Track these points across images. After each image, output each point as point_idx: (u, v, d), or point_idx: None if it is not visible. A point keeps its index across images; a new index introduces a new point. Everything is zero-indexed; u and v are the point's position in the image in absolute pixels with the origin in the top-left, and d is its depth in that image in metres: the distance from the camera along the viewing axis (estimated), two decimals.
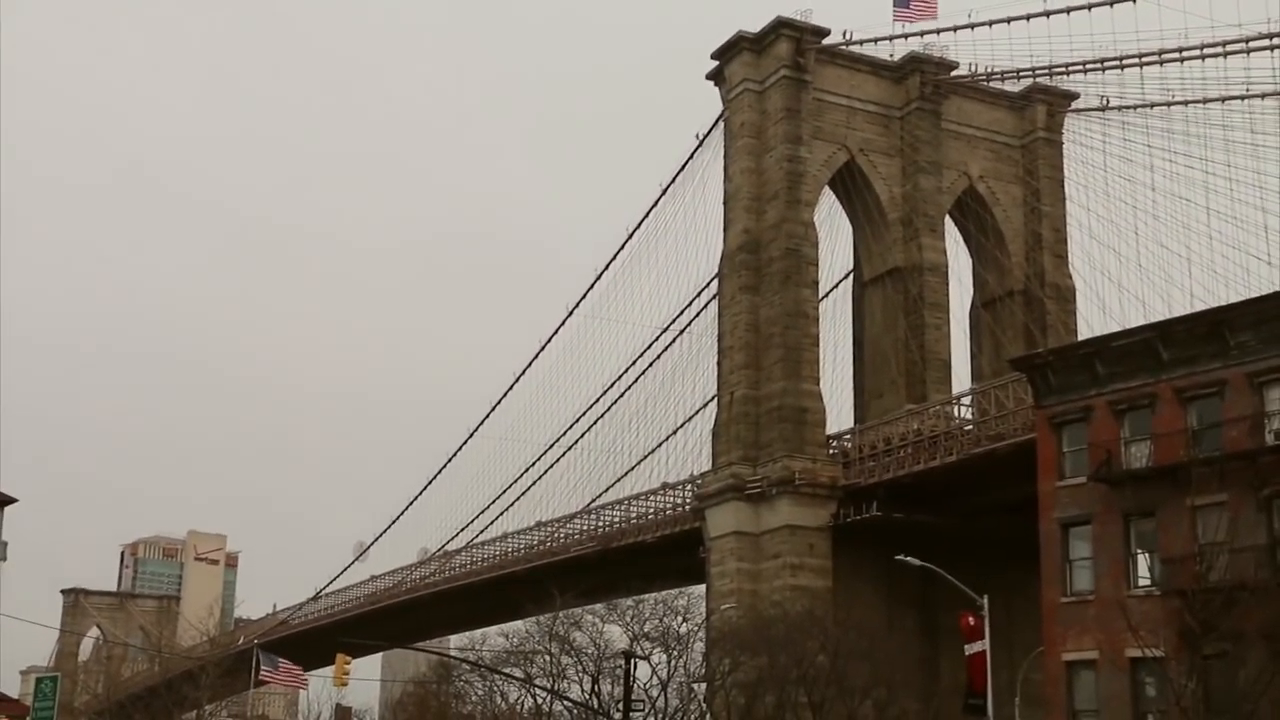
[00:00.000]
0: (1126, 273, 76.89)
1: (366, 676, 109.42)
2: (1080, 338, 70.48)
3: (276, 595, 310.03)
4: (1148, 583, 43.04)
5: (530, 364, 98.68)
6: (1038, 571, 48.33)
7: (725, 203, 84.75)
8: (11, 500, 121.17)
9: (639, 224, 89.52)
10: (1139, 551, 44.17)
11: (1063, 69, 78.91)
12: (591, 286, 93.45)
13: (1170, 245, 74.31)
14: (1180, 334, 44.67)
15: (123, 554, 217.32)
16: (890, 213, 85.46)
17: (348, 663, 56.03)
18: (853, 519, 75.51)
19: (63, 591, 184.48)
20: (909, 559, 47.03)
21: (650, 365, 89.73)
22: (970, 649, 42.80)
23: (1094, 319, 79.37)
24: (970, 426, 74.39)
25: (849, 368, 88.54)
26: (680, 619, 70.01)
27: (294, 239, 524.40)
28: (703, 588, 79.11)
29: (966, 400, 78.74)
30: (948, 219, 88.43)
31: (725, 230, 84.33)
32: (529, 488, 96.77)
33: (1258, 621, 37.43)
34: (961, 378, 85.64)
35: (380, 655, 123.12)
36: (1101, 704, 43.24)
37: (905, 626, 71.98)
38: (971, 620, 42.68)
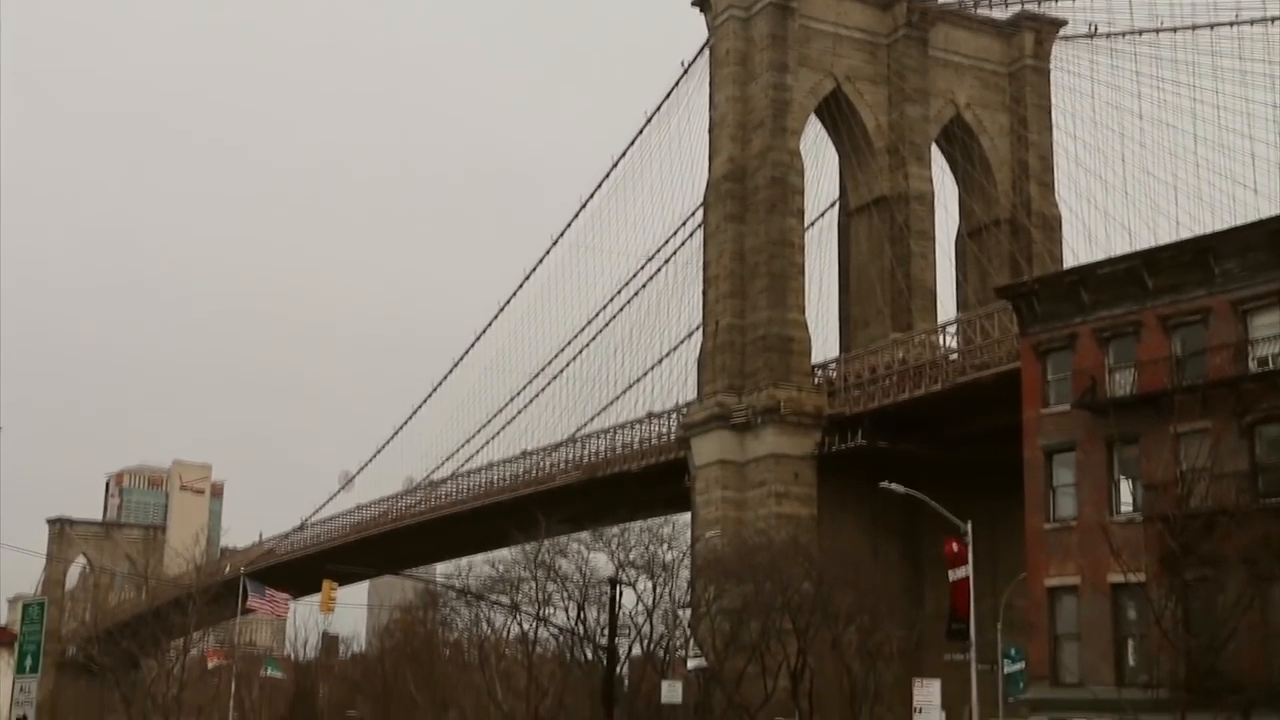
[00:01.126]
0: (1113, 201, 76.89)
1: (353, 603, 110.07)
2: (1066, 267, 70.41)
3: (262, 525, 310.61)
4: (1130, 509, 43.28)
5: (514, 294, 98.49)
6: (1021, 499, 48.56)
7: (710, 131, 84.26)
8: None
9: (623, 153, 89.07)
10: (1122, 478, 44.36)
11: None
12: (576, 216, 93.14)
13: (1157, 173, 74.24)
14: (1166, 262, 44.62)
15: (108, 484, 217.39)
16: (876, 141, 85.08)
17: (334, 590, 56.30)
18: (837, 448, 75.80)
19: (48, 521, 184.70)
20: (893, 486, 47.20)
21: (635, 295, 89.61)
22: (953, 575, 43.06)
23: (1080, 248, 79.43)
24: (955, 355, 74.53)
25: (834, 297, 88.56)
26: (666, 547, 70.42)
27: (284, 175, 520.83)
28: (688, 516, 79.54)
29: (952, 329, 78.82)
30: (934, 147, 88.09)
31: (710, 159, 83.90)
32: (514, 417, 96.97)
33: (1238, 546, 37.69)
34: (947, 307, 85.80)
35: (367, 584, 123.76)
36: (1083, 628, 43.62)
37: (889, 554, 72.51)
38: (955, 546, 42.91)
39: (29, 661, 27.41)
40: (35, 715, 30.97)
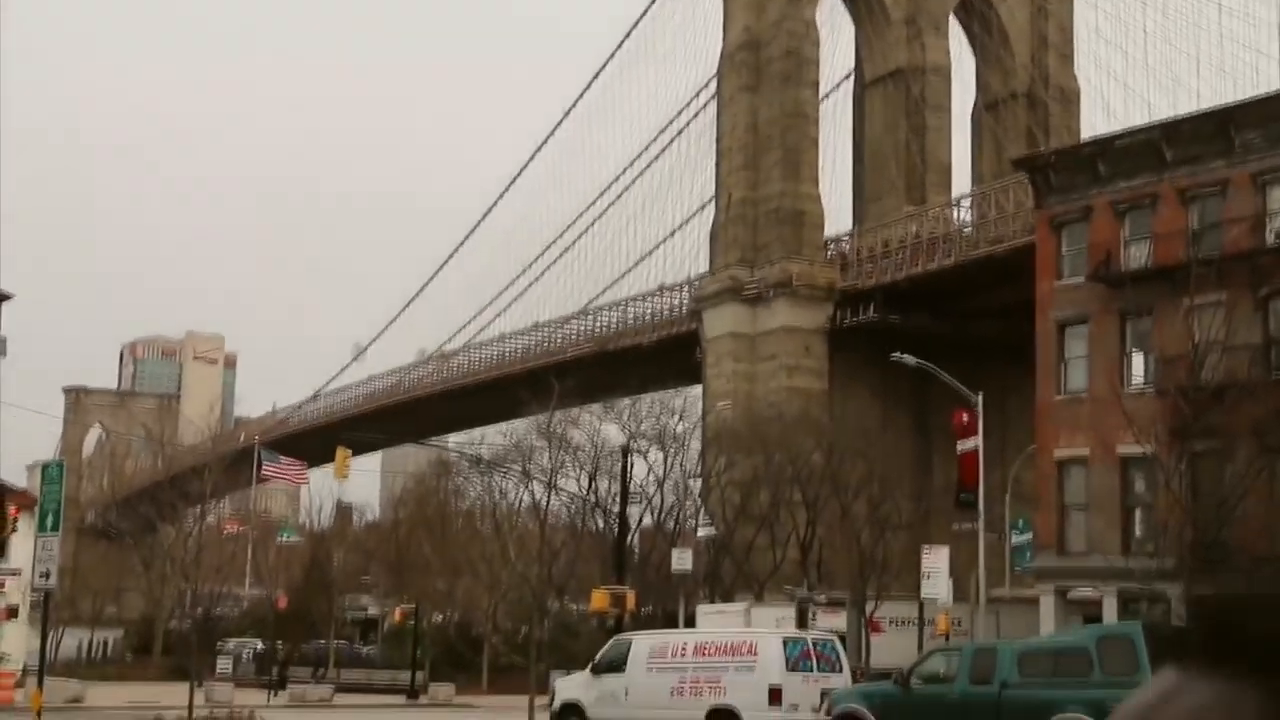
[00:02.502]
0: (1133, 74, 75.74)
1: (367, 470, 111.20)
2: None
3: (276, 396, 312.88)
4: (1141, 382, 43.40)
5: (526, 165, 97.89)
6: (1032, 374, 48.67)
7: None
8: (7, 296, 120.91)
9: (637, 21, 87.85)
10: (1134, 351, 44.43)
11: None
12: (588, 86, 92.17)
13: (1179, 45, 73.04)
14: (1185, 132, 44.17)
15: (122, 353, 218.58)
16: (893, 12, 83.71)
17: (348, 457, 56.80)
18: (849, 322, 75.82)
19: (64, 390, 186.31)
20: (904, 358, 47.28)
21: (648, 167, 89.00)
22: (963, 446, 43.35)
23: (1098, 122, 78.39)
24: (969, 230, 74.14)
25: (848, 170, 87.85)
26: (677, 418, 71.03)
27: (292, 43, 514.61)
28: (699, 388, 79.92)
29: (966, 204, 78.29)
30: (951, 18, 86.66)
31: (725, 29, 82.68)
32: (526, 289, 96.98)
33: (1247, 418, 37.87)
34: (962, 181, 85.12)
35: (380, 455, 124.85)
36: (1091, 499, 44.01)
37: (899, 427, 72.85)
38: (965, 418, 43.13)
39: (50, 520, 27.80)
40: (57, 576, 31.53)
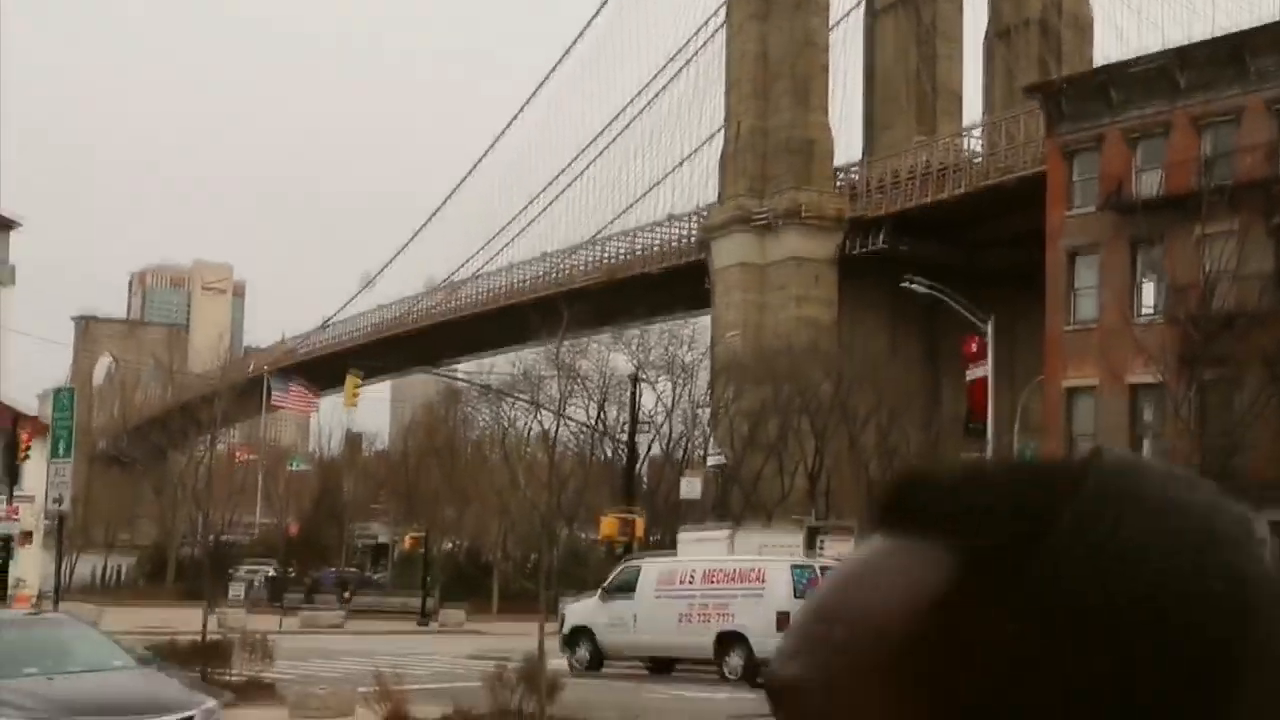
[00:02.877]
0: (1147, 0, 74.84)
1: (376, 398, 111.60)
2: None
3: (284, 325, 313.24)
4: (1151, 311, 43.33)
5: (534, 94, 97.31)
6: (1041, 303, 48.58)
7: None
8: (15, 224, 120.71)
9: None
10: (1145, 280, 44.31)
11: None
12: (596, 14, 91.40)
13: None
14: (1200, 58, 43.77)
15: (130, 282, 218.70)
16: None
17: (357, 385, 56.92)
18: (859, 251, 75.62)
19: (74, 318, 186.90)
20: (915, 284, 47.17)
21: (656, 96, 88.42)
22: (972, 374, 43.36)
23: (1111, 50, 77.55)
24: (979, 159, 73.71)
25: (858, 99, 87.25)
26: (685, 348, 71.10)
27: None
28: (708, 317, 79.93)
29: (977, 133, 77.80)
30: None
31: None
32: (535, 219, 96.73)
33: (1257, 347, 37.85)
34: (973, 110, 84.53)
35: (389, 384, 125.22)
36: (1100, 428, 44.06)
37: (908, 356, 72.89)
38: (974, 345, 43.09)
39: (62, 446, 27.98)
40: (71, 503, 31.77)
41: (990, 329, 43.59)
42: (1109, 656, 0.62)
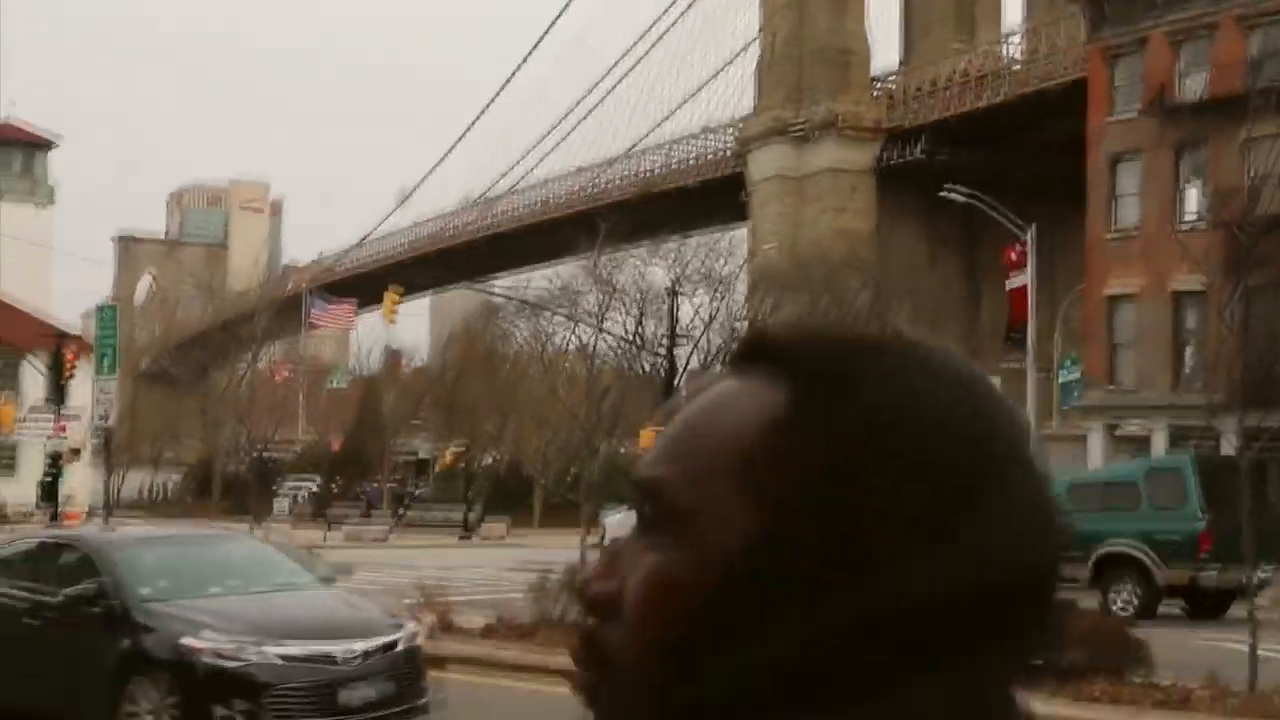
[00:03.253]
0: None
1: (415, 313, 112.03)
2: None
3: (322, 243, 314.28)
4: (1195, 217, 42.84)
5: (567, 5, 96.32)
6: (1081, 211, 48.11)
7: None
8: (51, 144, 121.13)
9: None
10: (1188, 185, 43.78)
11: None
12: None
13: None
14: None
15: (168, 202, 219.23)
16: None
17: (396, 300, 57.11)
18: (897, 161, 74.98)
19: (114, 238, 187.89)
20: (954, 193, 46.76)
21: (690, 7, 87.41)
22: (1011, 283, 43.08)
23: None
24: (1019, 66, 72.68)
25: (896, 6, 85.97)
26: (722, 260, 70.83)
27: None
28: (745, 229, 79.59)
29: (1016, 39, 76.65)
30: None
31: None
32: (569, 133, 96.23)
33: None
34: (1013, 16, 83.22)
35: (427, 300, 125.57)
36: (1141, 336, 43.82)
37: (947, 267, 72.52)
38: (1014, 254, 42.77)
39: (106, 363, 28.24)
40: (116, 419, 32.21)
41: (1030, 237, 43.26)
42: (901, 468, 0.83)
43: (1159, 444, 41.01)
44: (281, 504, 64.35)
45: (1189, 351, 42.77)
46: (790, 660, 0.83)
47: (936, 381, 0.88)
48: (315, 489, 72.20)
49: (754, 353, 0.91)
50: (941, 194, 48.99)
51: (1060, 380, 51.33)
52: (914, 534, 0.83)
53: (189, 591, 12.16)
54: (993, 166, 69.06)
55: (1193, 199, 43.60)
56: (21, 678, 12.20)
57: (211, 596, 12.14)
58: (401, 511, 65.53)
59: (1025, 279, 41.87)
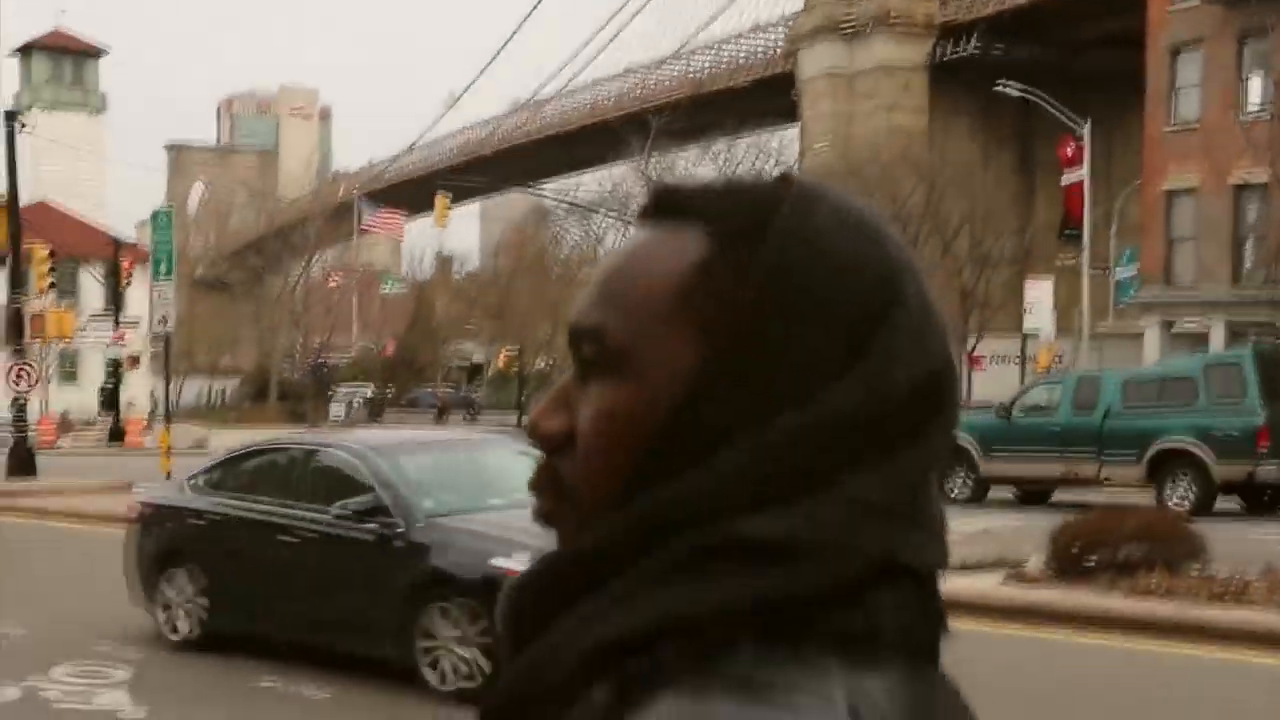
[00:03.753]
0: None
1: (465, 222, 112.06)
2: None
3: (371, 149, 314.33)
4: (1257, 108, 41.93)
5: None
6: (1140, 106, 47.20)
7: None
8: (102, 52, 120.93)
9: None
10: (1251, 75, 42.78)
11: None
12: None
13: None
14: None
15: (218, 110, 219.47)
16: None
17: (446, 205, 57.16)
18: (950, 56, 73.75)
19: (165, 147, 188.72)
20: (1008, 87, 45.97)
21: None
22: (1067, 178, 42.44)
23: None
24: None
25: None
26: (773, 160, 70.28)
27: None
28: (796, 129, 78.78)
29: None
30: None
31: None
32: (618, 34, 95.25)
33: None
34: None
35: (478, 207, 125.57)
36: (1199, 230, 43.15)
37: (1001, 165, 71.52)
38: (1070, 149, 42.09)
39: (163, 267, 28.38)
40: (174, 326, 32.51)
41: (1086, 132, 42.54)
42: (815, 296, 0.95)
43: (1217, 340, 40.53)
44: (337, 409, 65.02)
45: (1249, 245, 42.09)
46: (735, 474, 0.94)
47: (834, 217, 0.98)
48: (370, 394, 72.92)
49: (667, 206, 1.02)
50: (996, 89, 48.17)
51: (1116, 277, 50.76)
52: (834, 351, 0.95)
53: (473, 505, 10.74)
54: (1048, 61, 67.82)
55: (1256, 89, 42.62)
56: (289, 607, 11.11)
57: (498, 509, 10.46)
58: (470, 415, 66.11)
59: (1081, 175, 41.21)
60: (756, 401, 0.95)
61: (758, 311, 0.95)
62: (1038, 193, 72.15)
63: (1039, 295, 41.36)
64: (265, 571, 11.26)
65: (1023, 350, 45.92)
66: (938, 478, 1.00)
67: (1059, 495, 25.70)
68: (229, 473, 12.38)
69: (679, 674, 0.91)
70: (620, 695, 0.92)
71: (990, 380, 47.45)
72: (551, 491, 1.02)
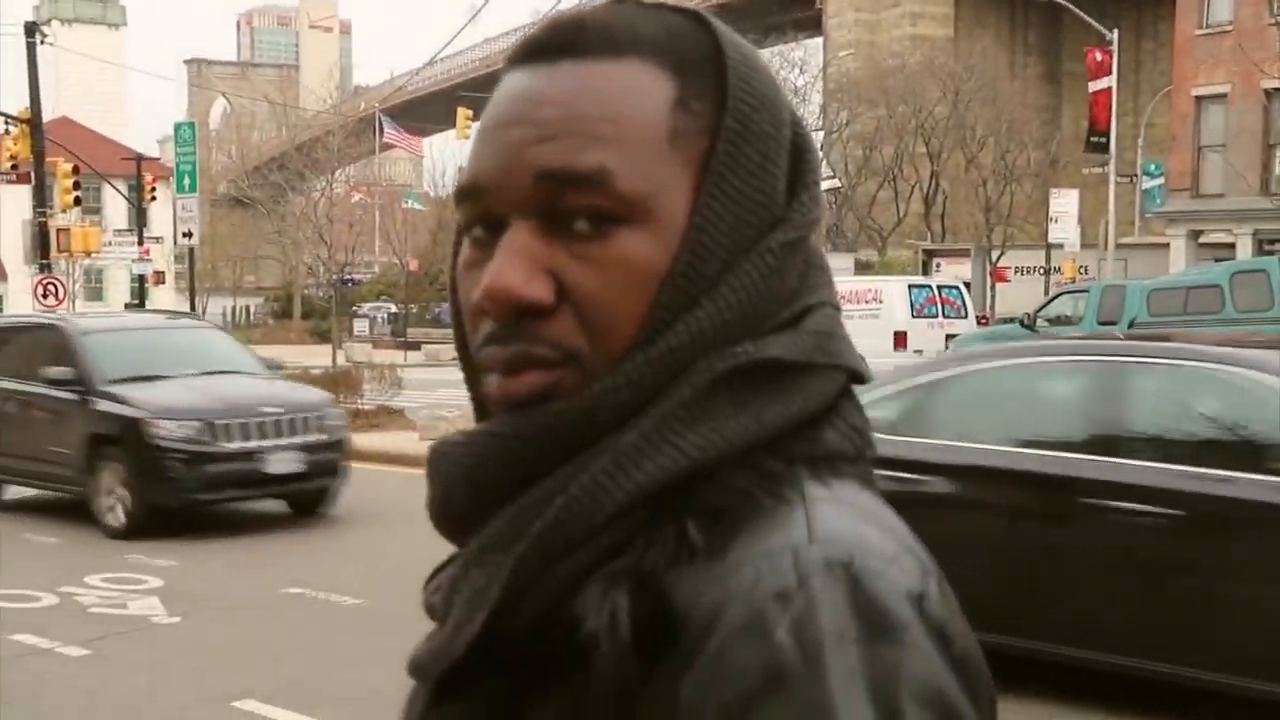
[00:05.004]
0: None
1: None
2: None
3: (392, 63, 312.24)
4: None
5: None
6: (1170, 14, 46.43)
7: None
8: None
9: None
10: None
11: None
12: None
13: None
14: None
15: (238, 23, 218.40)
16: None
17: (469, 118, 56.89)
18: None
19: (185, 62, 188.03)
20: None
21: None
22: (1094, 86, 41.75)
23: None
24: None
25: None
26: (797, 71, 69.54)
27: None
28: (820, 39, 77.94)
29: None
30: None
31: None
32: None
33: None
34: None
35: None
36: (1230, 137, 42.60)
37: (1027, 75, 70.70)
38: (1098, 56, 41.43)
39: (186, 181, 28.40)
40: (198, 242, 32.57)
41: (1114, 39, 41.86)
42: (773, 124, 1.00)
43: (1244, 250, 40.20)
44: (361, 325, 65.20)
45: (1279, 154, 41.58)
46: (746, 298, 0.96)
47: (748, 46, 1.03)
48: (394, 310, 73.04)
49: (600, 43, 0.99)
50: None
51: (1143, 187, 50.30)
52: (786, 169, 1.01)
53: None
54: None
55: None
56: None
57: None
58: None
59: (1108, 83, 40.59)
60: (749, 225, 0.97)
61: (736, 137, 0.97)
62: (1064, 104, 71.39)
63: (1065, 206, 40.93)
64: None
65: (1047, 262, 45.61)
66: None
67: None
68: None
69: (786, 489, 0.92)
70: (710, 525, 0.90)
71: (1015, 292, 47.23)
72: (550, 359, 0.96)
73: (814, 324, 0.98)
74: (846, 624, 0.81)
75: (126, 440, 12.91)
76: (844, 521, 0.88)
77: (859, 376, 1.00)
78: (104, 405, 13.22)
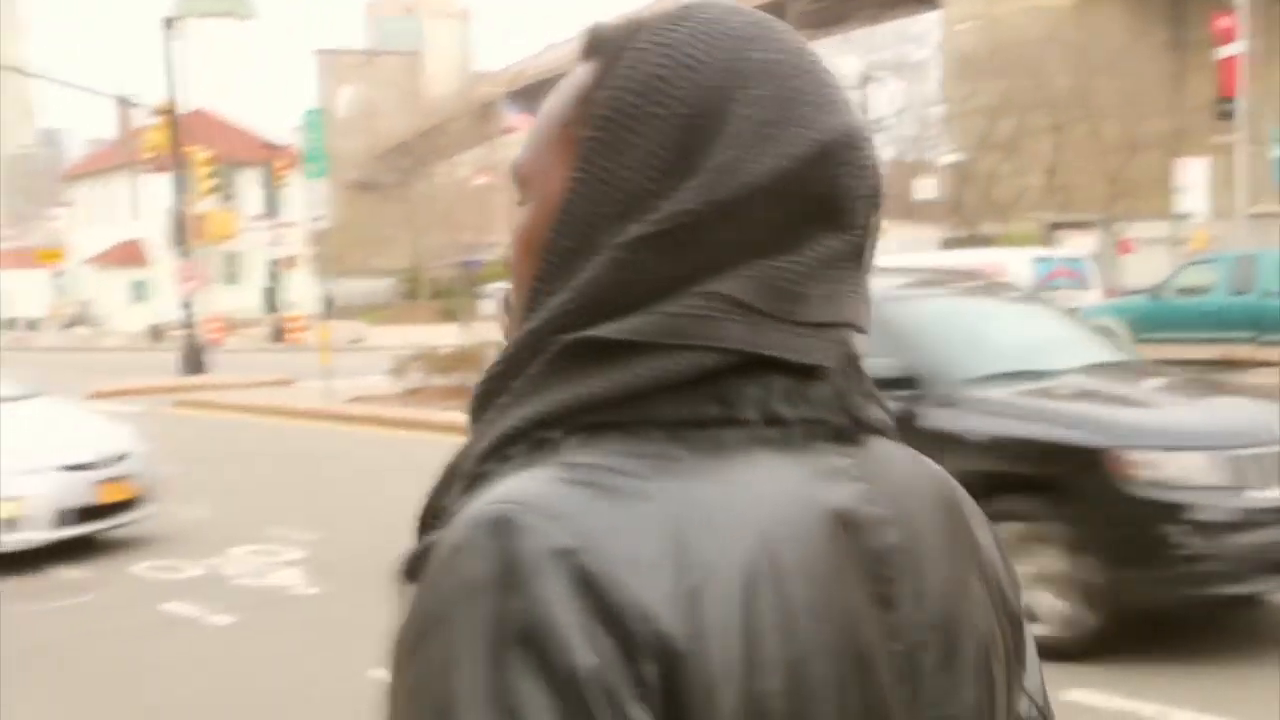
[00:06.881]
0: None
1: None
2: None
3: (510, 50, 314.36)
4: None
5: None
6: None
7: None
8: None
9: None
10: None
11: None
12: None
13: None
14: None
15: (365, 13, 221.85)
16: None
17: None
18: None
19: (315, 52, 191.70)
20: None
21: None
22: (1222, 52, 40.95)
23: None
24: None
25: None
26: (916, 45, 69.12)
27: None
28: (938, 12, 77.21)
29: None
30: None
31: None
32: None
33: None
34: None
35: None
36: None
37: (1152, 43, 69.27)
38: (1226, 22, 40.61)
39: (316, 166, 29.13)
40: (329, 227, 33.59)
41: (1244, 1, 40.98)
42: (653, 105, 1.02)
43: None
44: (487, 305, 66.17)
45: None
46: (591, 284, 1.01)
47: (700, 28, 1.04)
48: None
49: (587, 46, 1.09)
50: None
51: (1274, 155, 49.11)
52: (672, 156, 1.00)
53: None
54: None
55: None
56: None
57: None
58: None
59: (1237, 49, 39.77)
60: (611, 211, 1.01)
61: (606, 122, 1.02)
62: (1190, 73, 69.72)
63: (1194, 175, 40.15)
64: None
65: (1174, 233, 44.86)
66: (852, 282, 1.06)
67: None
68: None
69: (510, 467, 0.98)
70: (465, 491, 0.99)
71: (1141, 264, 46.53)
72: (504, 312, 1.12)
73: (677, 308, 1.00)
74: (482, 577, 0.88)
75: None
76: (535, 483, 0.94)
77: (765, 357, 1.01)
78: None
